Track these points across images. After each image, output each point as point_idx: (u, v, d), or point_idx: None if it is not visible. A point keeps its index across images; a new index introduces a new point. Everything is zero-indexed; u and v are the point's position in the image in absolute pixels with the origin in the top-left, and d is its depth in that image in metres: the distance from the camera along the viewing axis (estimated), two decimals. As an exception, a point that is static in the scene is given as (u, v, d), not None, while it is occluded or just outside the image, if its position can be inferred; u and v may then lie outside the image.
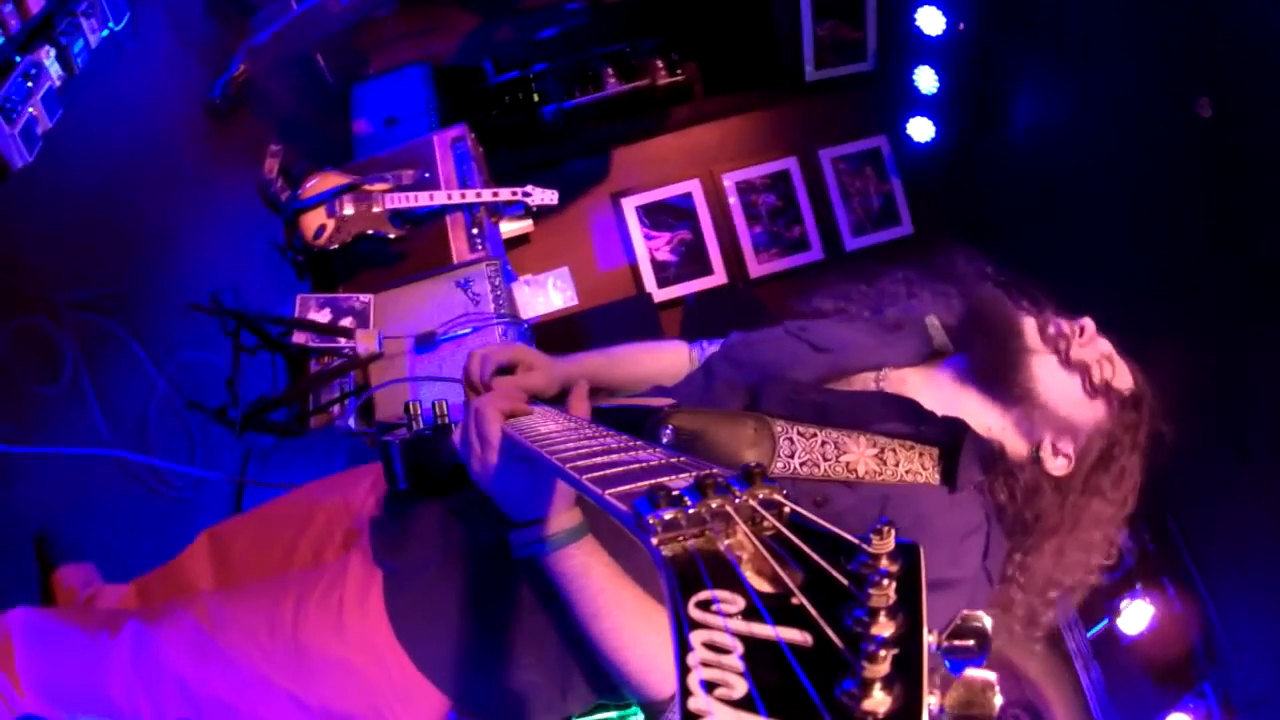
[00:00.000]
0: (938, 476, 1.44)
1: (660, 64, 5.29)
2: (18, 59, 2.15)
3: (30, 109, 2.14)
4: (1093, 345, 1.55)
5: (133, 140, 2.95)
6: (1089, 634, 3.60)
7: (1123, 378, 1.56)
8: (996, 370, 1.54)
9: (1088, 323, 1.57)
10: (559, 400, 1.62)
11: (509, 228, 4.62)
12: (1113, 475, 1.55)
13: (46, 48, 2.26)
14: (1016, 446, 1.54)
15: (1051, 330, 1.56)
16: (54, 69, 2.28)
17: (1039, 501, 1.51)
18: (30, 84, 2.16)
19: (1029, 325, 1.57)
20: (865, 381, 1.61)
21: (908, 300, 1.81)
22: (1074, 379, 1.53)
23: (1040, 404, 1.51)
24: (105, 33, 2.58)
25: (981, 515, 1.44)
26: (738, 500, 0.61)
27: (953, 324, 1.68)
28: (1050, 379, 1.52)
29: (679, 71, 5.27)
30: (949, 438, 1.44)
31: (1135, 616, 3.46)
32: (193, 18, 3.68)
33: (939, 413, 1.48)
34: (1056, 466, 1.52)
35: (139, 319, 2.65)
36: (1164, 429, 1.59)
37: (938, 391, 1.57)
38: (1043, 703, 3.62)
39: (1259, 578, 3.13)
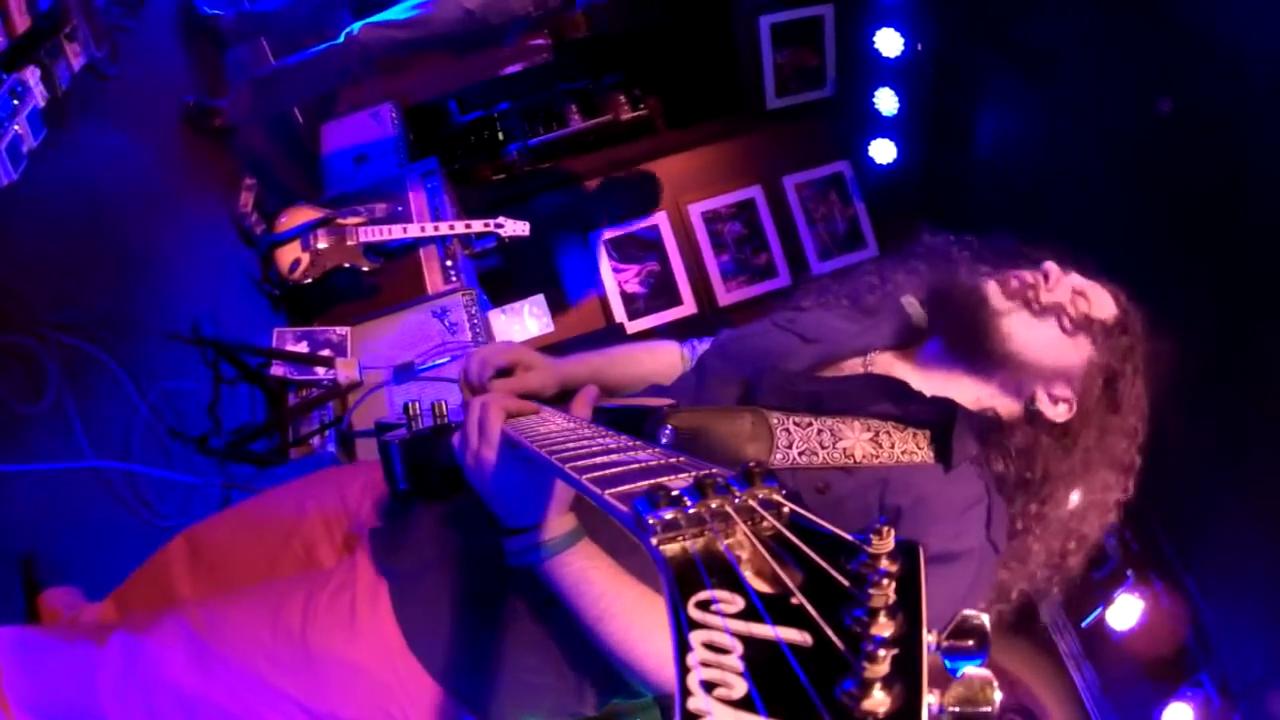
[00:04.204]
0: (933, 455, 1.44)
1: (623, 99, 5.38)
2: (4, 76, 2.15)
3: (16, 126, 2.14)
4: (1060, 285, 1.54)
5: (113, 166, 2.94)
6: (1082, 625, 3.61)
7: (1101, 306, 1.56)
8: (970, 343, 1.53)
9: (1050, 266, 1.55)
10: (558, 401, 1.62)
11: (480, 264, 4.64)
12: (1119, 407, 1.54)
13: (32, 67, 2.26)
14: (1010, 408, 1.54)
15: (1014, 284, 1.54)
16: (39, 89, 2.28)
17: (1040, 459, 1.49)
18: (16, 101, 2.15)
19: (991, 288, 1.55)
20: (854, 367, 1.61)
21: (882, 286, 1.82)
22: (1049, 325, 1.52)
23: (1022, 362, 1.51)
24: (87, 58, 2.58)
25: (981, 487, 1.42)
26: (737, 500, 0.61)
27: (925, 305, 1.69)
28: (1026, 334, 1.51)
29: (641, 106, 5.36)
30: (939, 417, 1.44)
31: (1125, 613, 3.47)
32: (170, 49, 3.69)
33: (928, 393, 1.48)
34: (1058, 413, 1.51)
35: (121, 343, 2.62)
36: (1160, 346, 1.59)
37: (923, 373, 1.57)
38: (1037, 706, 3.63)
39: (1246, 566, 3.16)
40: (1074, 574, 1.60)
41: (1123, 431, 1.56)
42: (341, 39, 3.69)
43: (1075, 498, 1.54)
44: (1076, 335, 1.53)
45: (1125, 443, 1.56)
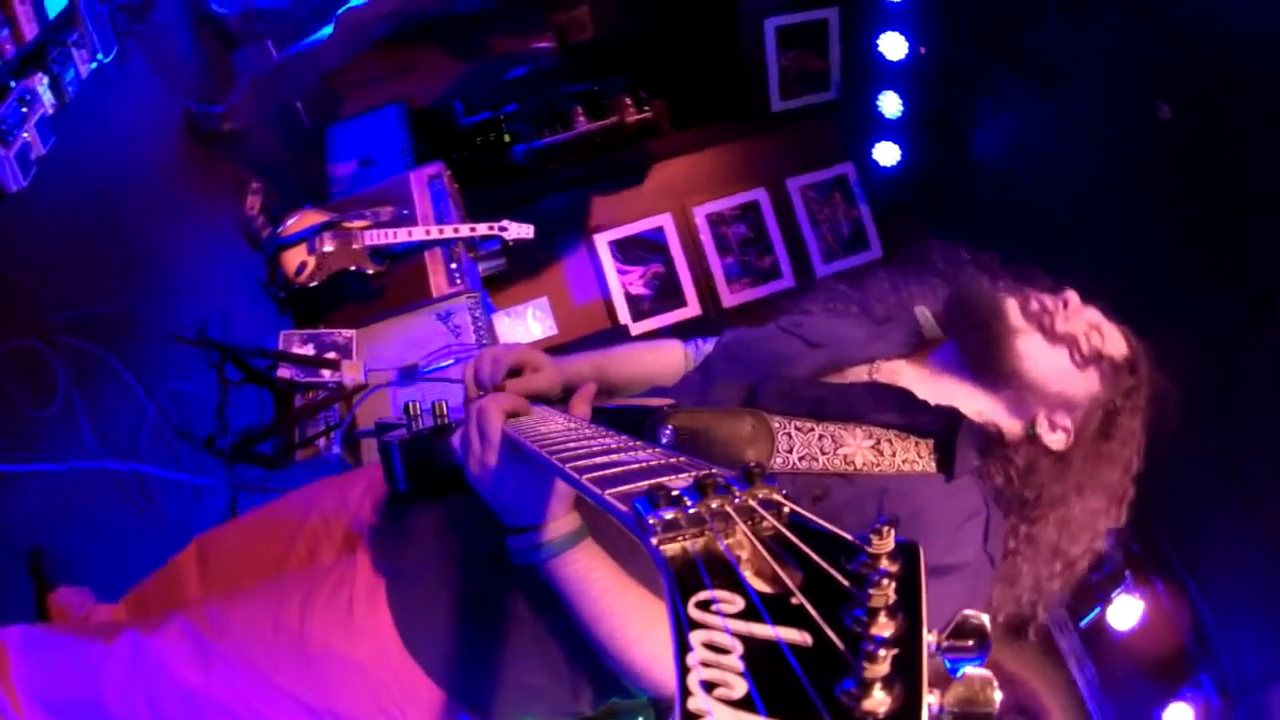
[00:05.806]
0: (934, 465, 1.45)
1: (629, 101, 5.36)
2: (12, 84, 2.17)
3: (25, 134, 2.16)
4: (1079, 316, 1.56)
5: (121, 171, 2.97)
6: (1081, 624, 3.61)
7: (1114, 344, 1.57)
8: (982, 354, 1.55)
9: (1071, 295, 1.57)
10: (560, 401, 1.63)
11: (484, 266, 4.66)
12: (1115, 440, 1.55)
13: (40, 75, 2.29)
14: (1011, 427, 1.55)
15: (1034, 307, 1.56)
16: (47, 97, 2.30)
17: (1037, 479, 1.51)
18: (25, 109, 2.18)
19: (1010, 305, 1.57)
20: (859, 374, 1.61)
21: (895, 295, 1.83)
22: (1061, 353, 1.53)
23: (1029, 382, 1.52)
24: (94, 65, 2.60)
25: (980, 500, 1.44)
26: (737, 500, 0.62)
27: (941, 312, 1.69)
28: (1037, 356, 1.53)
29: (647, 108, 5.34)
30: (943, 427, 1.45)
31: (1125, 612, 3.47)
32: (179, 54, 3.71)
33: (933, 402, 1.49)
34: (1055, 440, 1.52)
35: (129, 346, 2.65)
36: (1164, 389, 1.61)
37: (930, 380, 1.58)
38: (1038, 705, 3.63)
39: (1246, 567, 3.16)
40: (1058, 597, 1.61)
41: (1117, 462, 1.57)
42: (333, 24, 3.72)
43: (1065, 521, 1.54)
44: (1086, 368, 1.54)
45: (1119, 473, 1.58)
